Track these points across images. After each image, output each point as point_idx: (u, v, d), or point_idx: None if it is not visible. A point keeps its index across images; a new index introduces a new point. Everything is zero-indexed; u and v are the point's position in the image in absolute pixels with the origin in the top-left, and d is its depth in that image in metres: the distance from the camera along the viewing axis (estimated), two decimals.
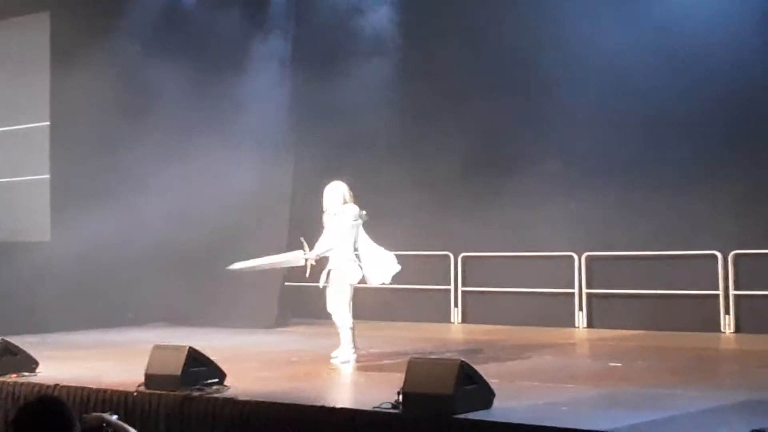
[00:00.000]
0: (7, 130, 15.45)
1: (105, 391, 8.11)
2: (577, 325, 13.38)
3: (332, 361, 9.96)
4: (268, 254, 14.15)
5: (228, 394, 7.83)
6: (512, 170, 13.67)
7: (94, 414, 5.11)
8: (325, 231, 10.10)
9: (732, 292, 12.36)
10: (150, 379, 8.06)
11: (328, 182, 10.29)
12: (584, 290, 13.42)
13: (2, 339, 9.18)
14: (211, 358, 8.26)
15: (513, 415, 6.72)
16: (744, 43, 11.46)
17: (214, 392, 7.87)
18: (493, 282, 14.06)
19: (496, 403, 7.03)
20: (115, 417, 4.97)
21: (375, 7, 14.22)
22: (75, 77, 13.35)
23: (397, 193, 14.28)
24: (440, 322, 14.28)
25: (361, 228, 10.13)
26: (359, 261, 10.02)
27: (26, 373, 8.96)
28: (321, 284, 10.03)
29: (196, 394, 7.78)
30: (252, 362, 10.13)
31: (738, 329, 12.28)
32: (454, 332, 13.79)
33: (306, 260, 10.06)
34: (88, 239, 12.96)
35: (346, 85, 13.83)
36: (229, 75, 14.00)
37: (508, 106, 13.78)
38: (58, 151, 14.46)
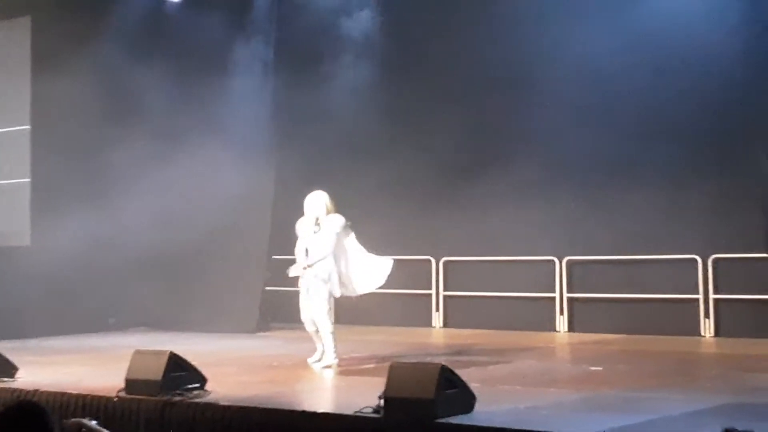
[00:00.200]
0: None
1: (85, 396, 8.07)
2: (558, 329, 13.42)
3: (312, 365, 9.95)
4: (250, 258, 14.22)
5: (209, 399, 7.80)
6: (493, 174, 13.70)
7: (74, 420, 5.08)
8: (300, 239, 10.10)
9: (712, 296, 12.42)
10: (130, 384, 8.03)
11: (310, 186, 10.29)
12: (565, 294, 13.47)
13: None
14: (192, 362, 8.23)
15: (494, 419, 6.72)
16: (724, 47, 11.51)
17: (195, 397, 7.85)
18: (474, 286, 14.09)
19: (477, 407, 7.04)
20: (94, 422, 4.95)
21: (356, 10, 14.25)
22: (56, 81, 13.29)
23: (379, 196, 14.29)
24: (422, 326, 14.29)
25: (349, 237, 10.15)
26: (340, 271, 10.05)
27: (6, 379, 8.90)
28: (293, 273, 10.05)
29: (176, 399, 7.75)
30: (233, 367, 10.10)
31: (717, 333, 12.34)
32: (436, 337, 13.79)
33: (304, 269, 10.04)
34: (68, 243, 12.91)
35: (328, 89, 13.86)
36: (212, 79, 13.98)
37: (489, 109, 13.83)
38: (39, 154, 14.39)
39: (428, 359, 10.05)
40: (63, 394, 8.18)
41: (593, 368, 9.83)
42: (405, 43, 14.40)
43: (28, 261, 13.45)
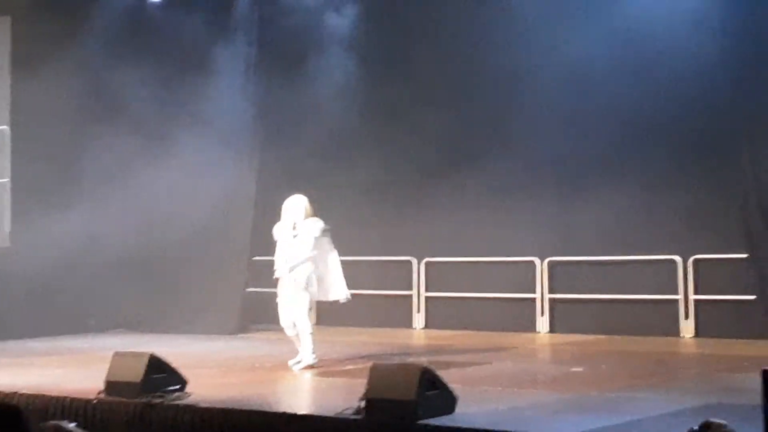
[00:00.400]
0: None
1: (65, 398, 8.03)
2: (539, 329, 13.43)
3: (293, 367, 9.94)
4: (230, 259, 14.18)
5: (189, 401, 7.78)
6: (475, 175, 13.74)
7: (51, 422, 5.04)
8: (279, 243, 10.08)
9: (691, 296, 12.47)
10: (110, 386, 8.00)
11: (292, 187, 10.29)
12: (546, 295, 13.49)
13: None
14: (172, 364, 8.19)
15: (475, 420, 6.74)
16: (706, 49, 11.55)
17: (176, 399, 7.82)
18: (455, 287, 14.09)
19: (458, 408, 7.05)
20: (73, 425, 4.91)
21: (339, 10, 14.25)
22: (37, 81, 13.21)
23: (361, 197, 14.30)
24: (403, 327, 14.28)
25: (326, 241, 10.14)
26: (318, 275, 10.05)
27: None
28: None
29: (157, 401, 7.73)
30: (213, 369, 10.07)
31: (697, 333, 12.39)
32: (417, 338, 13.79)
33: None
34: (48, 245, 12.85)
35: (310, 90, 13.86)
36: (193, 80, 13.94)
37: (471, 110, 13.85)
38: (18, 155, 14.30)
39: (410, 360, 10.06)
40: (42, 396, 8.14)
41: (574, 369, 9.86)
42: (388, 44, 14.40)
43: (8, 262, 13.37)
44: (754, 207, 11.07)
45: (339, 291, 10.27)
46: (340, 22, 14.25)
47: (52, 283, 13.41)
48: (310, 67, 14.12)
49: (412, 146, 14.09)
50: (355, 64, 14.17)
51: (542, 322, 13.47)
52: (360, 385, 7.09)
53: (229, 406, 7.54)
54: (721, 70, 11.26)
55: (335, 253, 10.22)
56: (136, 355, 8.16)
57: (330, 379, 9.40)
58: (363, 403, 6.91)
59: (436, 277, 14.43)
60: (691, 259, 12.48)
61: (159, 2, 14.68)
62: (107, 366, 8.13)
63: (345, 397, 7.40)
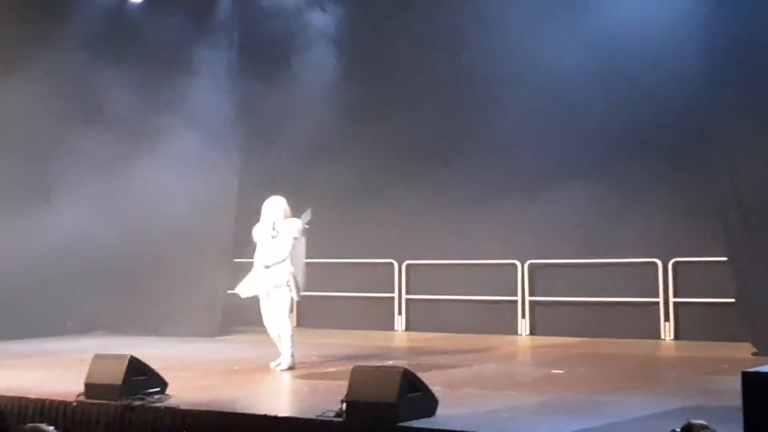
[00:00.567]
0: None
1: (44, 400, 8.00)
2: (519, 332, 13.47)
3: (274, 369, 9.93)
4: (212, 261, 14.15)
5: (170, 403, 7.77)
6: (456, 179, 13.80)
7: (31, 425, 5.03)
8: (258, 244, 10.08)
9: (672, 299, 12.54)
10: (90, 388, 7.98)
11: (273, 189, 10.28)
12: (527, 298, 13.53)
13: None
14: (153, 366, 8.19)
15: (456, 422, 6.76)
16: (684, 54, 11.60)
17: (156, 401, 7.81)
18: (436, 290, 14.12)
19: (439, 410, 7.07)
20: (52, 428, 4.90)
21: (320, 14, 14.26)
22: (14, 83, 13.12)
23: (341, 200, 14.29)
24: (384, 329, 14.29)
25: (303, 242, 10.15)
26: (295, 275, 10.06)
27: None
28: (251, 294, 10.07)
29: (137, 403, 7.71)
30: (194, 371, 10.06)
31: (677, 336, 12.46)
32: (398, 340, 13.80)
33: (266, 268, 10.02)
34: (27, 247, 12.79)
35: (290, 92, 13.83)
36: (173, 81, 13.90)
37: (452, 113, 13.90)
38: None
39: (391, 363, 10.07)
40: (21, 398, 8.11)
41: (555, 371, 9.89)
42: (368, 47, 14.42)
43: None
44: (732, 211, 11.13)
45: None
46: (321, 24, 14.27)
47: (31, 285, 13.34)
48: (290, 69, 14.11)
49: (392, 149, 14.13)
50: (335, 66, 14.19)
51: (523, 325, 13.51)
52: (341, 388, 7.10)
53: (210, 408, 7.54)
54: (699, 74, 11.31)
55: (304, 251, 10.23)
56: (116, 358, 8.14)
57: (311, 381, 9.39)
58: (344, 406, 6.92)
59: (417, 279, 14.45)
60: (671, 262, 12.55)
61: (139, 3, 14.61)
62: (87, 368, 8.11)
63: (326, 399, 7.41)
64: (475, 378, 9.59)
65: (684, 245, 12.41)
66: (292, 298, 10.04)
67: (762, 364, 6.65)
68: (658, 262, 12.61)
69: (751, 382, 5.83)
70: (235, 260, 13.74)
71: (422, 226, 14.13)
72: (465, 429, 6.52)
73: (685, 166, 12.37)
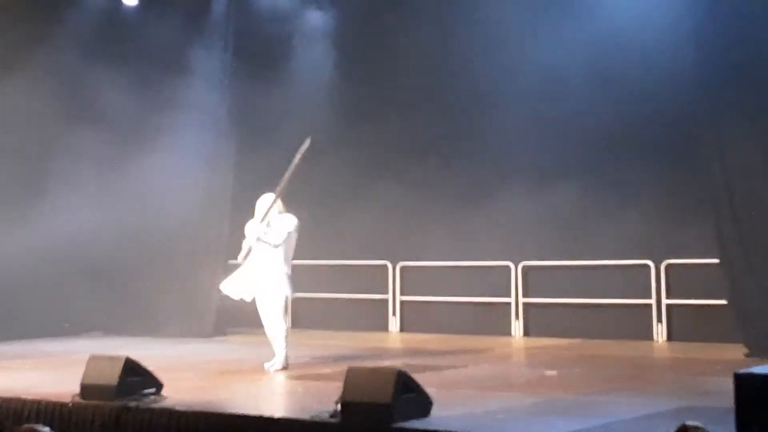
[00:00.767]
0: None
1: (39, 401, 7.98)
2: (513, 333, 13.51)
3: (269, 369, 9.96)
4: (207, 262, 14.12)
5: (165, 404, 7.78)
6: (450, 180, 13.84)
7: (26, 426, 5.04)
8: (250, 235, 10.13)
9: (664, 301, 12.58)
10: (86, 389, 7.98)
11: (267, 189, 10.31)
12: (521, 299, 13.57)
13: None
14: (148, 367, 8.20)
15: (451, 423, 6.79)
16: (678, 56, 11.65)
17: (151, 402, 7.82)
18: (430, 291, 14.14)
19: (434, 411, 7.09)
20: (47, 429, 4.91)
21: (315, 15, 14.30)
22: (8, 84, 13.13)
23: (336, 201, 14.32)
24: (378, 330, 14.31)
25: (294, 240, 10.19)
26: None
27: None
28: (249, 298, 10.12)
29: (132, 404, 7.72)
30: (189, 372, 10.06)
31: (670, 337, 12.50)
32: (392, 341, 13.83)
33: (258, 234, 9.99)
34: (22, 248, 12.77)
35: (285, 93, 13.86)
36: (168, 83, 13.89)
37: (447, 114, 13.94)
38: None
39: (385, 364, 10.09)
40: (16, 399, 8.08)
41: (548, 372, 9.91)
42: (364, 48, 14.46)
43: None
44: (725, 213, 11.17)
45: None
46: (317, 25, 14.30)
47: (27, 286, 13.32)
48: (285, 70, 14.15)
49: (387, 150, 14.17)
50: (331, 67, 14.24)
51: (517, 326, 13.55)
52: (336, 389, 7.12)
53: (205, 409, 7.55)
54: (694, 76, 11.35)
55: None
56: (112, 358, 8.14)
57: (306, 382, 9.41)
58: (339, 407, 6.94)
59: (411, 280, 14.48)
60: (664, 263, 12.60)
61: (134, 5, 14.61)
62: (82, 369, 8.11)
63: (321, 400, 7.43)
64: (470, 379, 9.63)
65: (677, 247, 12.45)
66: (287, 297, 10.05)
67: (754, 366, 6.69)
68: (651, 263, 12.66)
69: (744, 383, 5.86)
70: (230, 261, 13.75)
71: (417, 228, 14.16)
72: (459, 429, 6.55)
73: (679, 167, 12.41)
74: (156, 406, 7.71)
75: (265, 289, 10.02)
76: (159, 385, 8.14)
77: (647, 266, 12.68)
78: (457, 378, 9.64)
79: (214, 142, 14.10)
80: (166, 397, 8.00)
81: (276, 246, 9.97)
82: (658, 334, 12.58)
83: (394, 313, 14.50)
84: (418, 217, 14.11)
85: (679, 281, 12.53)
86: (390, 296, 14.53)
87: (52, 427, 5.45)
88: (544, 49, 12.68)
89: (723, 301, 11.51)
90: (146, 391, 8.01)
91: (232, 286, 10.27)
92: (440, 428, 6.61)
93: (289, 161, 10.25)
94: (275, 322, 9.98)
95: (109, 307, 14.13)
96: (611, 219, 12.74)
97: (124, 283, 14.17)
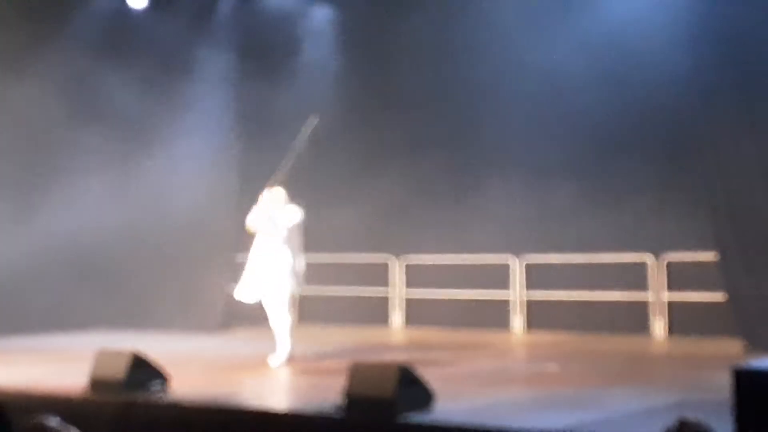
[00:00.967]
0: None
1: (48, 395, 8.08)
2: (514, 328, 13.59)
3: (273, 363, 10.04)
4: (213, 256, 14.19)
5: (172, 398, 7.86)
6: (452, 175, 13.90)
7: (35, 420, 5.07)
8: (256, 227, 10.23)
9: (663, 296, 12.65)
10: (94, 383, 8.07)
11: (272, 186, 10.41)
12: (522, 294, 13.64)
13: None
14: (155, 362, 8.27)
15: (453, 416, 6.86)
16: (675, 55, 11.69)
17: (158, 396, 7.90)
18: (433, 285, 14.22)
19: (437, 405, 7.16)
20: (57, 420, 4.94)
21: (320, 16, 14.38)
22: (15, 85, 13.19)
23: (339, 196, 14.36)
24: (381, 325, 14.39)
25: (297, 233, 10.26)
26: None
27: None
28: (253, 300, 10.20)
29: (140, 398, 7.81)
30: (196, 366, 10.12)
31: (669, 332, 12.57)
32: (395, 335, 13.90)
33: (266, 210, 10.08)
34: (28, 241, 12.85)
35: (290, 92, 13.92)
36: (174, 83, 13.99)
37: (449, 110, 13.99)
38: None
39: (388, 358, 10.17)
40: (25, 392, 8.17)
41: (549, 366, 9.99)
42: (366, 49, 14.53)
43: None
44: (722, 209, 11.23)
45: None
46: (320, 26, 14.38)
47: (33, 280, 13.39)
48: (290, 69, 14.21)
49: (389, 145, 14.23)
50: (334, 66, 14.30)
51: (518, 321, 13.63)
52: (339, 383, 7.19)
53: (212, 403, 7.62)
54: (692, 74, 11.41)
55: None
56: (120, 353, 8.22)
57: (309, 376, 9.49)
58: (342, 401, 7.02)
59: (414, 275, 14.55)
60: (663, 258, 12.68)
61: (140, 8, 14.64)
62: (90, 363, 8.19)
63: (324, 394, 7.51)
64: (471, 373, 9.69)
65: (676, 241, 12.51)
66: (292, 291, 10.14)
67: (752, 360, 6.76)
68: (650, 258, 12.74)
69: (742, 377, 5.89)
70: (236, 255, 13.83)
71: (419, 223, 14.22)
72: (462, 424, 6.61)
73: (678, 163, 12.47)
74: (163, 400, 7.79)
75: (271, 282, 10.10)
76: (166, 379, 8.21)
77: (646, 261, 12.76)
78: (460, 372, 9.69)
79: (220, 140, 14.18)
80: (173, 391, 8.07)
81: (283, 232, 10.01)
82: (657, 328, 12.65)
83: (396, 308, 14.57)
84: (420, 212, 14.17)
85: (677, 276, 12.59)
86: (393, 291, 14.58)
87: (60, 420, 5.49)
88: (544, 48, 12.73)
89: (722, 296, 11.57)
90: (153, 385, 8.08)
91: (245, 291, 10.30)
92: (443, 422, 6.69)
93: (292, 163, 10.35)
94: (280, 316, 10.07)
95: (116, 301, 14.19)
96: (610, 214, 12.80)
97: (130, 278, 14.24)
